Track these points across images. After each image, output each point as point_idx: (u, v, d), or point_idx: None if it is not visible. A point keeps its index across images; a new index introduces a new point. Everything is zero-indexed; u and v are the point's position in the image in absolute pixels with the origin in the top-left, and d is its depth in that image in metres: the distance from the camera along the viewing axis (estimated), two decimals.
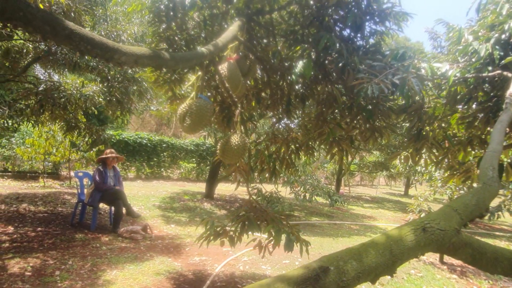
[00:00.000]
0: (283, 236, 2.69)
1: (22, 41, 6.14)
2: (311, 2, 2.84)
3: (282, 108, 3.48)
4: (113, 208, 5.94)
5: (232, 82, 2.42)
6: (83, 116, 7.49)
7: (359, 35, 2.87)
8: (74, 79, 6.76)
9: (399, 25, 2.77)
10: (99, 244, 4.98)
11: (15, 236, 4.95)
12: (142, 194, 9.94)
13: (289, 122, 3.80)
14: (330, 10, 2.78)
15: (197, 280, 4.13)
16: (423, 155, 3.35)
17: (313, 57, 2.80)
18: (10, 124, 6.71)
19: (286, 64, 3.10)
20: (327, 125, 3.18)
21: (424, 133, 3.09)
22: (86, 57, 6.00)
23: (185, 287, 3.90)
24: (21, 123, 7.00)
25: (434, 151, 3.28)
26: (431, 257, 6.18)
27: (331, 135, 3.11)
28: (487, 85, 2.85)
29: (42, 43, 5.88)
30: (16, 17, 1.10)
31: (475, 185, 3.61)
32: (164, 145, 15.59)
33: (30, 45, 6.25)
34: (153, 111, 10.29)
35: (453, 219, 1.24)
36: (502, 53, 2.62)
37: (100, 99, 6.55)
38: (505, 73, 2.53)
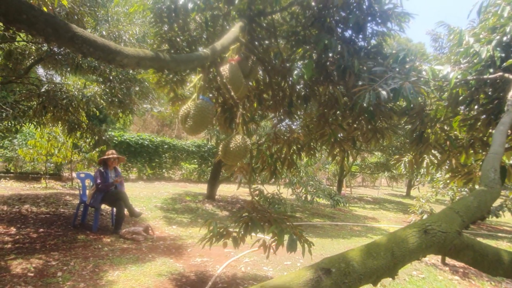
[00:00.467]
0: (286, 237, 2.69)
1: (24, 42, 6.17)
2: (313, 3, 2.85)
3: (283, 109, 3.48)
4: (114, 209, 5.95)
5: (233, 84, 2.42)
6: (85, 117, 7.51)
7: (360, 36, 2.88)
8: (76, 81, 6.78)
9: (401, 26, 2.78)
10: (101, 245, 4.99)
11: (18, 237, 4.96)
12: (144, 195, 9.95)
13: (290, 123, 3.80)
14: (331, 11, 2.79)
15: (198, 281, 4.13)
16: (425, 158, 3.34)
17: (314, 58, 2.80)
18: (12, 125, 6.73)
19: (288, 65, 3.10)
20: (328, 126, 3.19)
21: (425, 135, 3.09)
22: (88, 58, 6.02)
23: None
24: (23, 124, 7.02)
25: (435, 153, 3.28)
26: (433, 258, 6.16)
27: (332, 136, 3.11)
28: (488, 87, 2.85)
29: (44, 45, 5.91)
30: (19, 20, 1.10)
31: (477, 187, 3.60)
32: (166, 146, 15.62)
33: (33, 47, 6.28)
34: (155, 112, 10.31)
35: (454, 221, 1.24)
36: (503, 55, 2.62)
37: (102, 101, 6.57)
38: (506, 75, 2.53)
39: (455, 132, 3.31)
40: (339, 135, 3.26)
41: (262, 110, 3.69)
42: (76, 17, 4.88)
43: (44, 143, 9.85)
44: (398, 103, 3.11)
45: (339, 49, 2.53)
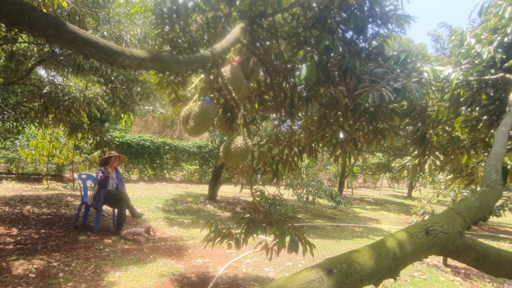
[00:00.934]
0: (288, 238, 2.69)
1: (26, 44, 6.18)
2: (314, 5, 2.85)
3: (285, 110, 3.48)
4: (116, 210, 5.95)
5: (235, 85, 2.42)
6: (86, 118, 7.53)
7: (361, 37, 2.88)
8: (78, 82, 6.80)
9: (402, 28, 2.78)
10: (102, 246, 5.00)
11: (19, 238, 4.97)
12: (145, 196, 9.96)
13: (292, 124, 3.80)
14: (332, 12, 2.79)
15: (200, 282, 4.13)
16: (427, 160, 3.33)
17: (315, 59, 2.81)
18: (14, 126, 6.75)
19: (289, 66, 3.10)
20: (330, 127, 3.18)
21: (428, 136, 3.09)
22: (90, 60, 6.04)
23: None
24: (25, 125, 7.04)
25: (438, 154, 3.27)
26: (435, 259, 6.15)
27: (334, 137, 3.11)
28: (490, 88, 2.84)
29: (46, 46, 5.92)
30: (21, 21, 1.11)
31: (479, 188, 3.59)
32: (167, 147, 15.64)
33: (35, 48, 6.30)
34: (156, 113, 10.33)
35: (456, 222, 1.24)
36: (504, 56, 2.62)
37: (103, 102, 6.59)
38: (507, 75, 2.52)
39: (457, 133, 3.31)
40: (340, 136, 3.25)
41: (263, 111, 3.69)
42: (77, 18, 4.89)
43: (46, 144, 9.88)
44: (399, 104, 3.11)
45: (340, 50, 2.53)
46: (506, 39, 2.63)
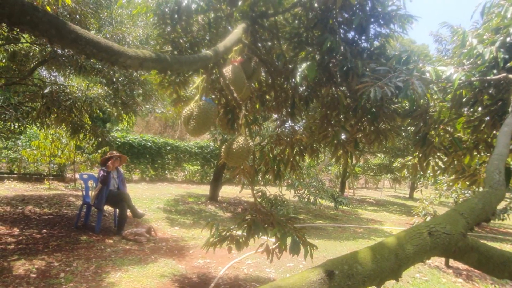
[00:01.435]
0: (289, 239, 2.68)
1: (28, 44, 6.20)
2: (316, 5, 2.84)
3: (286, 110, 3.48)
4: (117, 210, 5.96)
5: (236, 85, 2.42)
6: (88, 119, 7.54)
7: (363, 37, 2.87)
8: (80, 82, 6.81)
9: (404, 28, 2.77)
10: (104, 246, 5.00)
11: (21, 238, 4.98)
12: (147, 196, 9.96)
13: (293, 124, 3.79)
14: (334, 13, 2.78)
15: (201, 283, 4.12)
16: (429, 161, 3.32)
17: (317, 59, 2.80)
18: (16, 126, 6.76)
19: (290, 66, 3.10)
20: (331, 127, 3.18)
21: (429, 137, 3.08)
22: (92, 60, 6.05)
23: None
24: (27, 125, 7.05)
25: (440, 155, 3.26)
26: (437, 260, 6.13)
27: (335, 138, 3.11)
28: (492, 88, 2.83)
29: (48, 46, 5.93)
30: (23, 21, 1.10)
31: (481, 189, 3.58)
32: (169, 148, 15.64)
33: (37, 48, 6.31)
34: (158, 113, 10.34)
35: (459, 223, 1.23)
36: (507, 56, 2.61)
37: (105, 102, 6.59)
38: (510, 76, 2.51)
39: (459, 134, 3.30)
40: (342, 136, 3.24)
41: (265, 112, 3.69)
42: (78, 17, 4.90)
43: (47, 144, 9.89)
44: (401, 104, 3.10)
45: (342, 50, 2.52)
46: (508, 39, 2.62)
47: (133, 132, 19.46)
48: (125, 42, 6.27)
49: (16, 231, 5.28)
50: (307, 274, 1.02)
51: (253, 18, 2.77)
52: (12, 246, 4.59)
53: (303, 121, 3.99)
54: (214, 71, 2.90)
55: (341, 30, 2.89)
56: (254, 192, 2.99)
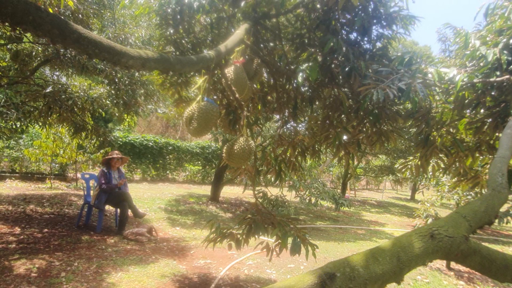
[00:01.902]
0: (290, 240, 2.68)
1: (31, 43, 6.21)
2: (318, 6, 2.84)
3: (288, 111, 3.47)
4: (118, 210, 5.96)
5: (238, 85, 2.42)
6: (90, 118, 7.55)
7: (366, 38, 2.86)
8: (82, 82, 6.82)
9: (407, 29, 2.76)
10: (105, 246, 5.00)
11: (22, 237, 4.98)
12: (148, 196, 9.97)
13: (295, 125, 3.79)
14: (337, 14, 2.78)
15: (202, 283, 4.12)
16: (431, 161, 3.31)
17: (319, 60, 2.80)
18: (18, 125, 6.78)
19: (293, 67, 3.10)
20: (333, 128, 3.17)
21: (431, 138, 3.07)
22: (94, 60, 6.06)
23: None
24: (29, 125, 7.07)
25: (442, 156, 3.25)
26: (438, 263, 6.11)
27: (337, 139, 3.10)
28: (495, 90, 2.82)
29: (51, 46, 5.95)
30: (25, 21, 1.11)
31: (483, 191, 3.57)
32: (170, 148, 15.66)
33: (40, 48, 6.32)
34: (159, 113, 10.34)
35: (461, 226, 1.22)
36: (510, 58, 2.60)
37: (107, 102, 6.60)
38: None
39: (462, 135, 3.29)
40: (343, 137, 3.24)
41: (267, 112, 3.69)
42: (80, 16, 4.91)
43: (49, 144, 9.91)
44: (403, 106, 3.09)
45: (344, 51, 2.52)
46: (511, 41, 2.61)
47: (135, 132, 19.49)
48: (127, 42, 6.28)
49: (17, 230, 5.28)
50: (308, 277, 1.01)
51: (255, 19, 2.77)
52: (13, 245, 4.59)
53: (305, 122, 3.99)
54: (216, 72, 2.90)
55: (343, 31, 2.89)
56: (256, 192, 2.99)
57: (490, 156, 3.18)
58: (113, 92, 6.78)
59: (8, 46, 6.31)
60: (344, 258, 1.13)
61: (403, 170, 3.81)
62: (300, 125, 4.06)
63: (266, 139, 8.67)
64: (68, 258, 4.33)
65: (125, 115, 7.50)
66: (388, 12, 2.71)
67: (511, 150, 1.77)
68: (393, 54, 2.88)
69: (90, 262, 4.29)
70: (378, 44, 2.91)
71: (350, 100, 3.06)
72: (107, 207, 6.16)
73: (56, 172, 11.42)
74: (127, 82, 6.69)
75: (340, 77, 2.88)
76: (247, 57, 2.66)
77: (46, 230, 5.45)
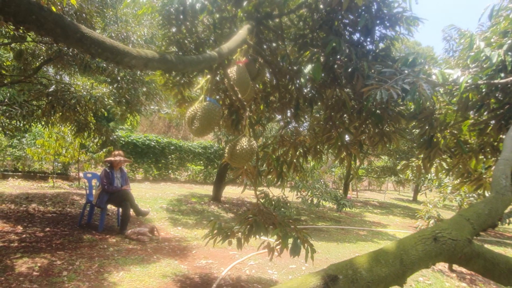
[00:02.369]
0: (290, 240, 2.67)
1: (34, 42, 6.23)
2: (321, 6, 2.83)
3: (290, 111, 3.47)
4: (120, 209, 5.97)
5: (241, 86, 2.41)
6: (92, 117, 7.57)
7: (368, 39, 2.85)
8: (85, 81, 6.84)
9: (410, 30, 2.75)
10: (107, 245, 5.01)
11: (24, 235, 5.00)
12: (150, 196, 9.98)
13: (297, 125, 3.78)
14: (340, 14, 2.77)
15: (203, 283, 4.12)
16: (433, 162, 3.29)
17: (322, 61, 2.79)
18: (21, 124, 6.80)
19: (295, 67, 3.09)
20: (335, 129, 3.16)
21: (435, 140, 3.05)
22: (96, 59, 6.07)
23: None
24: (32, 123, 7.09)
25: (445, 157, 3.24)
26: (440, 264, 6.09)
27: (339, 140, 3.09)
28: (499, 92, 2.81)
29: (54, 45, 5.96)
30: (28, 20, 1.10)
31: (487, 193, 3.55)
32: (172, 148, 15.68)
33: (43, 47, 6.34)
34: (162, 114, 10.36)
35: (465, 229, 1.21)
36: None
37: (110, 101, 6.61)
38: None
39: (465, 137, 3.27)
40: (346, 138, 3.23)
41: (269, 113, 3.68)
42: (84, 15, 4.92)
43: (52, 143, 9.94)
44: (406, 106, 3.08)
45: (347, 52, 2.51)
46: None
47: (137, 132, 19.53)
48: (129, 41, 6.28)
49: (19, 229, 5.30)
50: (310, 279, 1.01)
51: (258, 19, 2.76)
52: (16, 244, 4.61)
53: (307, 122, 3.98)
54: (218, 72, 2.89)
55: (346, 32, 2.88)
56: (258, 193, 2.99)
57: (492, 159, 3.16)
58: (115, 91, 6.79)
59: (12, 45, 6.33)
60: (346, 260, 1.12)
61: (404, 169, 3.79)
62: (302, 126, 4.04)
63: (268, 139, 8.66)
64: (70, 257, 4.34)
65: (128, 114, 7.51)
66: (391, 13, 2.70)
67: None
68: (396, 55, 2.87)
69: (92, 261, 4.30)
70: (381, 45, 2.90)
71: (352, 100, 3.05)
72: (109, 206, 6.17)
73: (59, 171, 11.46)
74: (130, 80, 6.70)
75: (343, 77, 2.87)
76: (249, 57, 2.66)
77: (48, 229, 5.46)
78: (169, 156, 15.70)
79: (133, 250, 4.99)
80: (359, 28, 2.70)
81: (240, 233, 2.95)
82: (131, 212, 5.88)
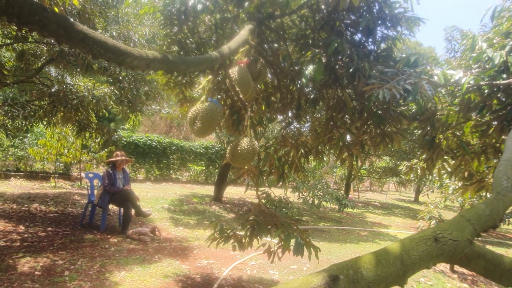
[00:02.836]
0: (293, 241, 2.67)
1: (36, 43, 6.25)
2: (323, 7, 2.83)
3: (292, 112, 3.47)
4: (122, 209, 5.98)
5: (242, 86, 2.42)
6: (94, 117, 7.59)
7: (370, 39, 2.85)
8: (87, 82, 6.86)
9: (411, 30, 2.75)
10: (108, 245, 5.02)
11: (26, 235, 5.01)
12: (151, 196, 10.00)
13: (299, 126, 3.78)
14: (341, 15, 2.77)
15: (204, 284, 4.12)
16: (436, 163, 3.29)
17: (323, 61, 2.79)
18: (23, 125, 6.82)
19: (297, 68, 3.09)
20: (337, 129, 3.16)
21: (437, 141, 3.05)
22: (98, 59, 6.08)
23: None
24: (34, 124, 7.11)
25: (448, 158, 3.23)
26: (442, 265, 6.07)
27: (341, 140, 3.09)
28: (501, 93, 2.80)
29: (55, 45, 5.98)
30: (31, 21, 1.11)
31: (489, 195, 3.54)
32: (174, 148, 15.69)
33: (45, 47, 6.36)
34: (163, 114, 10.38)
35: (466, 230, 1.21)
36: None
37: (111, 101, 6.63)
38: None
39: (467, 138, 3.26)
40: (347, 139, 3.23)
41: (270, 113, 3.69)
42: (87, 15, 4.94)
43: (54, 143, 9.97)
44: (407, 107, 3.08)
45: (348, 52, 2.51)
46: None
47: (138, 132, 19.56)
48: (131, 40, 6.30)
49: (21, 228, 5.31)
50: (311, 279, 1.01)
51: (259, 20, 2.77)
52: (18, 244, 4.62)
53: (309, 123, 3.98)
54: (220, 72, 2.90)
55: (348, 32, 2.88)
56: (259, 193, 2.99)
57: (494, 160, 3.16)
58: (117, 91, 6.81)
59: (14, 46, 6.36)
60: (347, 260, 1.12)
61: (407, 171, 3.79)
62: (304, 126, 4.05)
63: (270, 140, 8.67)
64: (71, 257, 4.35)
65: (130, 114, 7.53)
66: (393, 13, 2.70)
67: None
68: (398, 55, 2.87)
69: (94, 261, 4.31)
70: (383, 45, 2.90)
71: (354, 101, 3.05)
72: (111, 206, 6.19)
73: (61, 171, 11.49)
74: (131, 79, 6.72)
75: (344, 78, 2.87)
76: (251, 57, 2.66)
77: (50, 228, 5.48)
78: (171, 156, 15.72)
79: (134, 250, 5.00)
80: (360, 28, 2.70)
81: (242, 236, 2.94)
82: (133, 212, 5.89)
